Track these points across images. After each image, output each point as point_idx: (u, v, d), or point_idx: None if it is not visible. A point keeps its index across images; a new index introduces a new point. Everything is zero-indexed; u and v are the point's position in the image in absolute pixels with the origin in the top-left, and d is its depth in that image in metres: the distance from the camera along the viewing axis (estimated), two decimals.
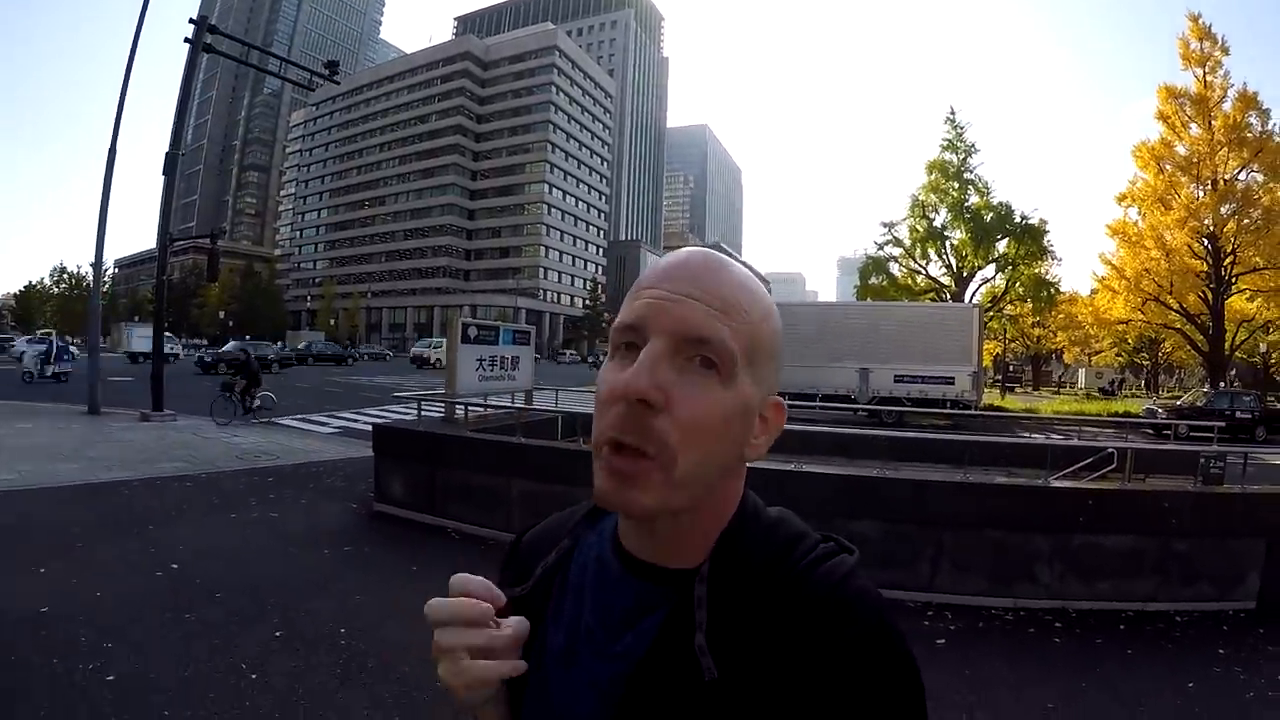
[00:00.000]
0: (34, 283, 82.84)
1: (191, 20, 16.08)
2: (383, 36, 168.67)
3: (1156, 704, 4.08)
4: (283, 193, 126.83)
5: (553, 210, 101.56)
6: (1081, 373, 53.53)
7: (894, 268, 33.32)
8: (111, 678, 3.87)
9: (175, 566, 5.90)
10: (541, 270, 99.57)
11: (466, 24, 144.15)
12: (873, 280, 32.92)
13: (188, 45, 15.84)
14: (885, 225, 33.08)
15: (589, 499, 0.74)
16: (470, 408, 9.32)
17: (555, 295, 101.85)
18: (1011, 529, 5.68)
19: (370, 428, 9.35)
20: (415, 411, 9.68)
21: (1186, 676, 4.39)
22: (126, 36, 17.25)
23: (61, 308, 72.61)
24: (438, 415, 10.65)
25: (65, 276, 76.98)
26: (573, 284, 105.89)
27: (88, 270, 68.92)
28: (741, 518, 0.70)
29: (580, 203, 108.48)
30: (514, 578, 0.79)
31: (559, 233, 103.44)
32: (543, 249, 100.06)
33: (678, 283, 0.63)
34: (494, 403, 9.89)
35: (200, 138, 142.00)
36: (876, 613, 0.63)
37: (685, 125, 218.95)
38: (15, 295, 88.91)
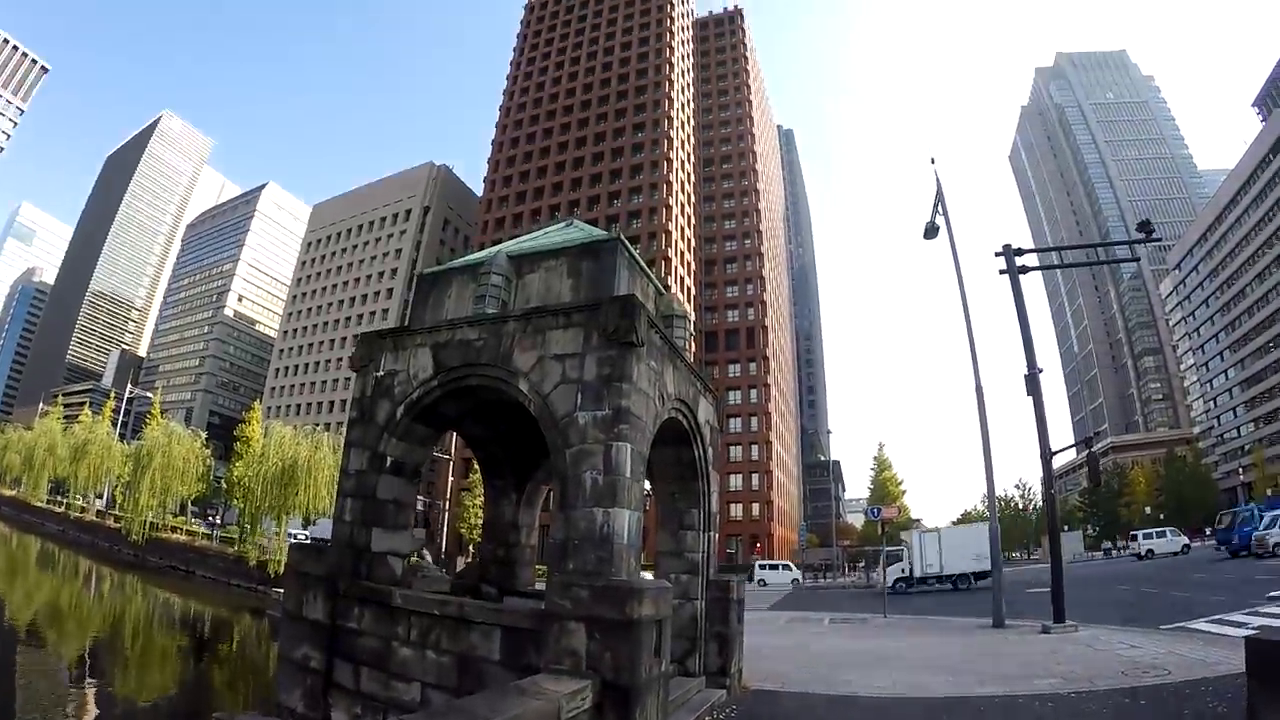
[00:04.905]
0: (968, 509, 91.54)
1: (996, 253, 16.87)
2: (1201, 168, 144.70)
3: None
4: (1183, 367, 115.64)
5: None
6: None
7: None
8: None
9: None
10: None
11: None
12: None
13: (1005, 275, 16.68)
14: None
15: None
16: None
17: None
18: None
19: None
20: None
21: None
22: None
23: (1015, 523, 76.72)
24: None
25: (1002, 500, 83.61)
26: None
27: (1013, 493, 76.13)
28: None
29: None
30: None
31: None
32: None
33: None
34: None
35: (1085, 344, 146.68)
36: None
37: None
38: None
